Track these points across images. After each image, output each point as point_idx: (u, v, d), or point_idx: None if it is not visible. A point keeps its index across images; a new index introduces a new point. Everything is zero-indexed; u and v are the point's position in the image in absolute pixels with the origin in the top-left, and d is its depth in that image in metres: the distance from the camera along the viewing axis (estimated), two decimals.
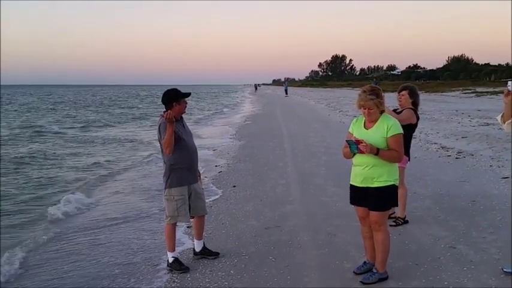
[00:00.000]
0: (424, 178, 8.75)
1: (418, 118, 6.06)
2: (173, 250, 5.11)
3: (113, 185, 10.55)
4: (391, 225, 5.82)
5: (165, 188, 5.02)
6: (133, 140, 19.64)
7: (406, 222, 6.09)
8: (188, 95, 5.09)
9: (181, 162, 4.95)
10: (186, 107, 5.06)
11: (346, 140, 4.26)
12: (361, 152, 4.15)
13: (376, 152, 4.13)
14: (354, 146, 4.17)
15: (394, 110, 6.00)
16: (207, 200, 7.50)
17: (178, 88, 5.15)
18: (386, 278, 4.42)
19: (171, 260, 5.06)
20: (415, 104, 6.07)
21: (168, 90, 5.03)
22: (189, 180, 5.07)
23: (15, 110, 43.66)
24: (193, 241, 5.45)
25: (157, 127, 4.98)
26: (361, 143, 4.13)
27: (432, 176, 9.01)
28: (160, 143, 4.94)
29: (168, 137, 4.76)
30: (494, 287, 4.21)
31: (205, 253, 5.32)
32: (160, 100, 5.09)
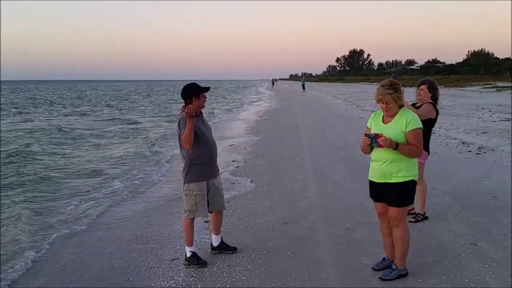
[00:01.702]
0: (443, 174, 8.63)
1: (437, 113, 5.97)
2: (191, 245, 5.13)
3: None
4: (410, 222, 5.76)
5: (184, 183, 5.04)
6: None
7: (426, 218, 6.02)
8: (208, 89, 5.09)
9: (200, 157, 4.96)
10: (205, 101, 5.06)
11: (365, 134, 4.21)
12: (380, 146, 4.10)
13: (395, 146, 4.07)
14: (373, 140, 4.12)
15: (413, 105, 5.93)
16: (225, 195, 7.57)
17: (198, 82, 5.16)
18: (406, 275, 4.37)
19: (189, 254, 5.08)
20: (434, 99, 5.98)
21: (187, 85, 5.03)
22: (208, 176, 5.07)
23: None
24: (211, 236, 5.47)
25: (177, 122, 4.99)
26: (380, 136, 4.08)
27: (452, 171, 8.88)
28: (179, 138, 4.95)
29: (188, 132, 4.76)
30: None
31: (223, 248, 5.34)
32: (179, 95, 5.09)
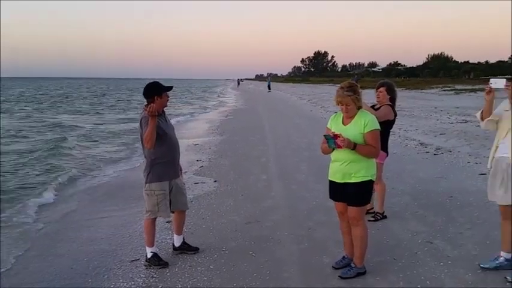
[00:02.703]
0: (402, 174, 8.85)
1: (395, 114, 6.12)
2: (152, 245, 5.07)
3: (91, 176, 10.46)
4: (370, 220, 5.89)
5: (146, 183, 4.97)
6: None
7: (384, 217, 6.16)
8: (170, 88, 5.05)
9: (162, 156, 4.91)
10: (168, 100, 5.02)
11: (324, 135, 4.28)
12: (339, 147, 4.17)
13: (353, 146, 4.16)
14: (332, 141, 4.19)
15: (373, 106, 6.06)
16: (188, 195, 7.52)
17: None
18: (364, 273, 4.46)
19: (149, 255, 5.02)
20: (392, 100, 6.13)
21: (149, 84, 4.97)
22: (171, 175, 5.03)
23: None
24: (173, 236, 5.42)
25: (139, 121, 4.93)
26: (339, 137, 4.16)
27: (410, 172, 9.12)
28: (141, 137, 4.89)
29: (150, 131, 4.70)
30: (470, 283, 4.27)
31: (185, 248, 5.30)
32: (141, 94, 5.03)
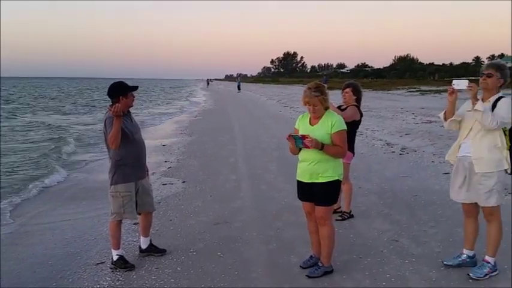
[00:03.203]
0: (369, 173, 8.99)
1: (361, 115, 6.21)
2: (118, 248, 4.98)
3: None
4: (337, 220, 5.96)
5: (111, 184, 4.89)
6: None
7: (351, 216, 6.24)
8: (136, 88, 4.97)
9: (128, 157, 4.83)
10: (133, 100, 4.94)
11: (292, 135, 4.30)
12: (307, 147, 4.20)
13: (321, 147, 4.19)
14: (300, 141, 4.22)
15: (339, 107, 6.13)
16: (155, 196, 7.45)
17: (125, 81, 5.03)
18: (331, 272, 4.51)
19: (115, 258, 4.94)
20: (358, 101, 6.22)
21: (114, 83, 4.89)
22: (137, 176, 4.96)
23: None
24: (140, 238, 5.35)
25: (103, 121, 4.84)
26: (307, 137, 4.19)
27: (377, 171, 9.28)
28: (105, 138, 4.80)
29: (115, 131, 4.63)
30: (434, 280, 4.36)
31: (152, 250, 5.24)
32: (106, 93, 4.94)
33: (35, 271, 5.11)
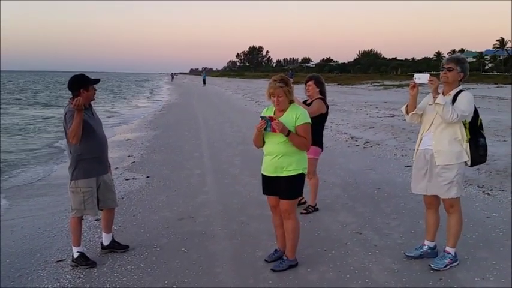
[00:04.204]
0: (333, 167, 9.08)
1: (327, 107, 6.22)
2: (79, 244, 4.84)
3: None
4: (302, 213, 5.98)
5: (71, 180, 4.74)
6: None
7: (316, 209, 6.28)
8: (97, 81, 4.87)
9: (89, 152, 4.70)
10: (95, 93, 4.82)
11: (261, 116, 4.28)
12: (274, 130, 4.19)
13: (287, 132, 4.19)
14: (268, 123, 4.20)
15: (304, 102, 6.13)
16: (118, 192, 7.28)
17: (87, 74, 4.89)
18: (296, 265, 4.52)
19: (76, 255, 4.79)
20: (322, 93, 6.22)
21: (75, 76, 4.77)
22: (98, 172, 4.83)
23: None
24: (102, 235, 5.21)
25: (63, 115, 4.69)
26: (274, 120, 4.17)
27: (341, 164, 9.38)
28: (66, 132, 4.65)
29: (76, 125, 4.48)
30: (397, 271, 4.43)
31: (115, 247, 5.12)
32: (66, 86, 4.78)
33: None
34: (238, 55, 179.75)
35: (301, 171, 4.36)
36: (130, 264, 4.76)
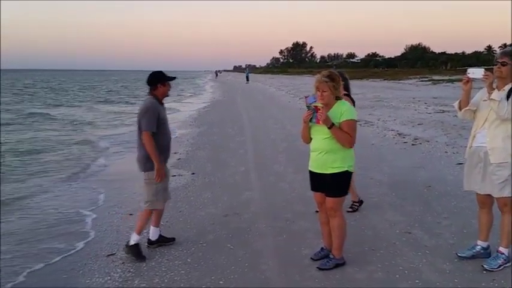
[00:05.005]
0: (380, 164, 8.89)
1: (353, 102, 6.01)
2: (140, 234, 4.99)
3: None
4: (348, 212, 5.87)
5: (145, 171, 4.92)
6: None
7: (361, 202, 6.14)
8: (173, 78, 5.15)
9: (161, 143, 4.91)
10: (169, 90, 5.09)
11: (307, 106, 4.23)
12: (317, 121, 4.15)
13: (330, 125, 4.13)
14: (314, 114, 4.17)
15: None
16: None
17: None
18: (343, 264, 4.44)
19: (132, 242, 4.92)
20: (347, 89, 5.98)
21: (154, 72, 5.08)
22: (166, 160, 5.10)
23: None
24: (149, 230, 5.30)
25: (142, 108, 4.88)
26: (319, 110, 4.13)
27: (389, 162, 9.17)
28: (139, 125, 4.85)
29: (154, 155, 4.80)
30: (448, 272, 4.29)
31: (162, 240, 5.22)
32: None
33: (48, 263, 5.11)
34: (281, 51, 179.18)
35: (346, 169, 4.27)
36: (178, 260, 4.82)
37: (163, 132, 4.94)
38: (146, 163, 4.87)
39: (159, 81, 4.97)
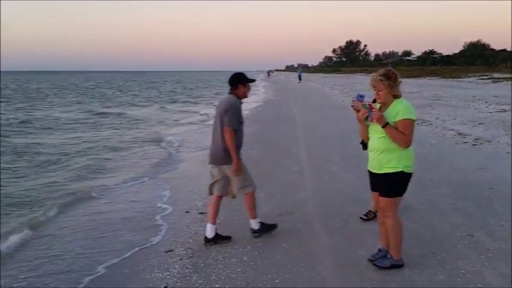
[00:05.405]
0: (440, 165, 8.62)
1: None
2: (256, 217, 5.39)
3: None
4: (361, 218, 5.73)
5: (225, 165, 5.18)
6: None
7: (375, 216, 5.65)
8: (253, 81, 5.45)
9: (239, 138, 5.22)
10: (249, 91, 5.33)
11: (362, 104, 4.20)
12: (372, 120, 4.12)
13: (384, 123, 4.07)
14: (370, 113, 4.14)
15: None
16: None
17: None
18: (401, 266, 4.34)
19: (257, 225, 5.38)
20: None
21: (236, 73, 5.36)
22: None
23: None
24: (205, 227, 5.40)
25: (226, 105, 5.11)
26: (374, 108, 4.10)
27: (449, 163, 8.87)
28: (222, 121, 5.08)
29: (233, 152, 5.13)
30: None
31: (218, 238, 5.32)
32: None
33: (112, 259, 5.29)
34: (334, 50, 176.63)
35: (401, 169, 4.16)
36: (234, 257, 4.89)
37: (240, 130, 5.22)
38: (227, 157, 5.12)
39: (240, 81, 5.23)
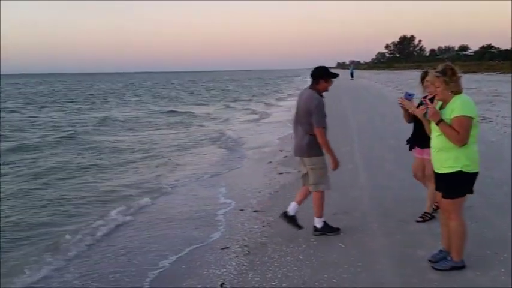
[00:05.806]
0: (501, 163, 8.30)
1: None
2: (321, 216, 5.38)
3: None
4: (418, 221, 5.56)
5: (308, 157, 5.29)
6: None
7: (432, 217, 5.58)
8: (337, 75, 5.40)
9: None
10: (331, 85, 5.33)
11: (420, 102, 4.22)
12: (429, 116, 4.08)
13: (438, 119, 4.00)
14: (427, 110, 4.12)
15: (431, 100, 5.42)
16: (274, 185, 7.60)
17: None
18: (462, 267, 4.22)
19: (321, 224, 5.34)
20: None
21: (319, 66, 5.30)
22: None
23: None
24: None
25: (313, 103, 5.17)
26: (429, 105, 4.08)
27: (510, 161, 8.49)
28: (305, 114, 5.19)
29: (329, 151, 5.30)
30: None
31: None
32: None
33: (170, 257, 5.47)
34: (387, 46, 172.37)
35: (459, 169, 4.02)
36: (289, 256, 4.91)
37: (326, 125, 5.26)
38: (309, 150, 5.20)
39: (322, 76, 5.19)
